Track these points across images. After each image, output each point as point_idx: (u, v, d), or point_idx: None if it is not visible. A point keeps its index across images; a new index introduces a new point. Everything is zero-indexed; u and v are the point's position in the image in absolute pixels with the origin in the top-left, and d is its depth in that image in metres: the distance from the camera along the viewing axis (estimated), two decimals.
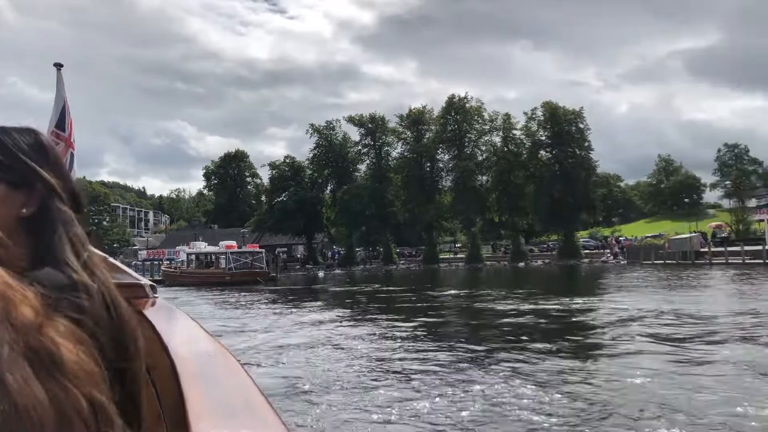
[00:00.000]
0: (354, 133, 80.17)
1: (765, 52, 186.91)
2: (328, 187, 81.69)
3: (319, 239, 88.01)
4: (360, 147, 80.00)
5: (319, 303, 23.39)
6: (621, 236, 77.73)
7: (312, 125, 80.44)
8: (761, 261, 38.56)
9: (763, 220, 51.72)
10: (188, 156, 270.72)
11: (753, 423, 5.85)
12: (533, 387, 7.33)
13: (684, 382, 7.54)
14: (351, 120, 78.99)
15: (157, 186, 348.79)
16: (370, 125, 78.32)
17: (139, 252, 78.47)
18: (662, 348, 10.17)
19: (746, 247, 42.95)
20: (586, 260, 61.04)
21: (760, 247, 41.37)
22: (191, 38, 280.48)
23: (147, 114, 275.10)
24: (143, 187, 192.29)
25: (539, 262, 65.16)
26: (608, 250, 63.34)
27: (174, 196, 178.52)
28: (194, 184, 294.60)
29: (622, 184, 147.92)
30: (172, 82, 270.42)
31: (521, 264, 62.23)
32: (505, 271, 52.21)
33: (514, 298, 21.59)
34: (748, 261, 39.77)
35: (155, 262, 62.89)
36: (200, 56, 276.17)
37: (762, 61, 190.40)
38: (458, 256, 79.04)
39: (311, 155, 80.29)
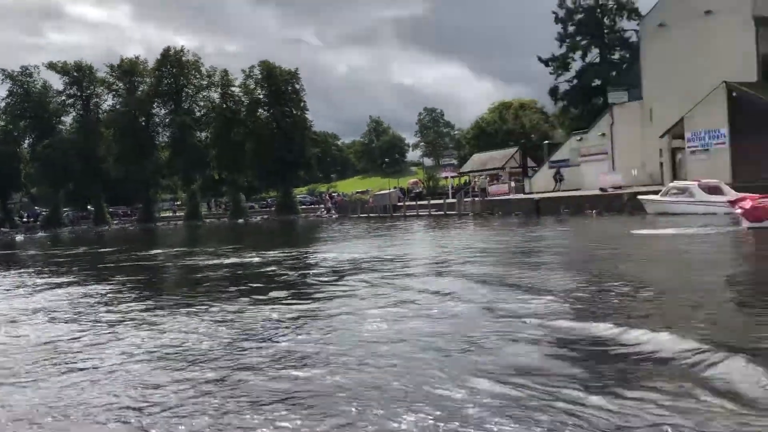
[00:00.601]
0: (57, 82, 73.05)
1: (460, 25, 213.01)
2: (26, 141, 73.69)
3: (17, 199, 79.28)
4: (64, 97, 73.40)
5: (13, 270, 21.86)
6: (335, 192, 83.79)
7: (4, 71, 71.43)
8: (442, 212, 45.81)
9: (447, 177, 60.76)
10: None
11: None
12: (209, 324, 8.76)
13: (356, 308, 9.50)
14: (52, 66, 71.68)
15: None
16: (76, 74, 72.02)
17: None
18: (353, 285, 12.17)
19: (432, 201, 50.36)
20: (303, 215, 64.94)
21: (442, 201, 48.92)
22: None
23: None
24: None
25: (258, 218, 67.38)
26: (323, 206, 68.14)
27: None
28: None
29: (339, 143, 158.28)
30: None
31: (241, 220, 63.77)
32: (223, 228, 53.19)
33: (222, 253, 22.86)
34: (434, 213, 46.82)
35: None
36: None
37: (457, 33, 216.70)
38: (178, 214, 77.68)
39: (4, 104, 71.94)
